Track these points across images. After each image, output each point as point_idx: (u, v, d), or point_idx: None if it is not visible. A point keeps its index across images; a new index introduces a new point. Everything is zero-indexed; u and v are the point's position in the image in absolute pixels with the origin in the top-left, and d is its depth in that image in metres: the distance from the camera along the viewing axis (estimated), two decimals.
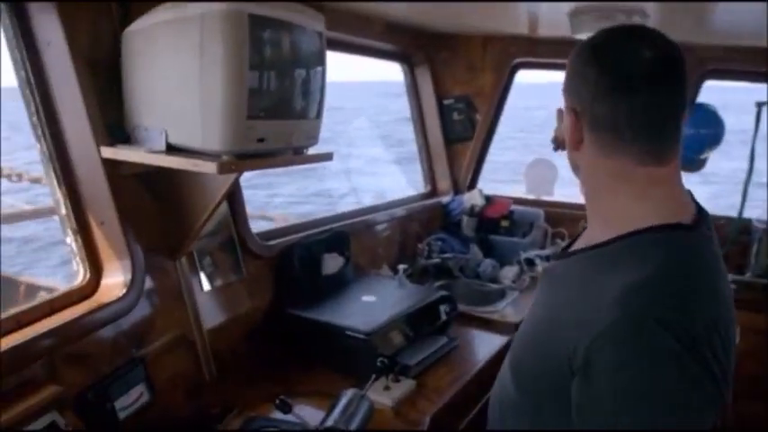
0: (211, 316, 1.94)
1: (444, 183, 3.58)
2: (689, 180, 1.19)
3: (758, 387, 2.37)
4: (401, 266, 2.52)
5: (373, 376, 1.68)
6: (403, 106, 3.51)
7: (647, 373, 0.90)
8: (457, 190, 3.56)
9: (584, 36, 2.03)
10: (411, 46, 3.18)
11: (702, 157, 3.00)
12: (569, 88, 1.09)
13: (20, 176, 6.04)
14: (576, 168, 1.15)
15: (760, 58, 2.78)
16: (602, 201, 1.11)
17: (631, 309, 0.93)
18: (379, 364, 1.72)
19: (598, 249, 1.07)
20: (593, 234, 1.13)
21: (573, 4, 2.16)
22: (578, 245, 1.18)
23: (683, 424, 0.90)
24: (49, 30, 1.46)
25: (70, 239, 1.63)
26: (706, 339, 0.91)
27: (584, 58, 1.06)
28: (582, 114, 1.06)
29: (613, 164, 1.05)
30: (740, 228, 2.94)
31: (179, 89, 1.41)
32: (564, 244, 1.34)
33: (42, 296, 1.59)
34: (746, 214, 2.98)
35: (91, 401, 1.46)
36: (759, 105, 3.00)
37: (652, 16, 2.14)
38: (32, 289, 4.34)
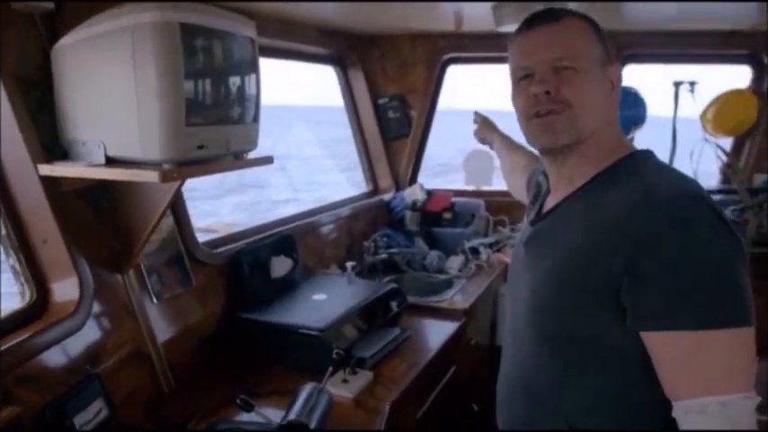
0: (165, 328, 1.93)
1: (385, 180, 3.64)
2: None
3: None
4: (349, 264, 2.55)
5: (330, 369, 1.72)
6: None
7: (707, 244, 1.01)
8: (398, 187, 3.62)
9: (508, 28, 2.11)
10: (343, 48, 3.22)
11: (629, 137, 3.16)
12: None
13: None
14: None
15: (674, 40, 2.96)
16: (577, 151, 1.20)
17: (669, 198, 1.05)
18: (334, 356, 1.75)
19: (589, 185, 1.19)
20: (560, 192, 1.25)
21: None
22: (551, 205, 1.27)
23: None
24: None
25: (13, 260, 1.60)
26: None
27: None
28: None
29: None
30: None
31: (114, 101, 1.40)
32: (531, 216, 1.36)
33: None
34: None
35: (49, 420, 1.44)
36: (676, 85, 3.18)
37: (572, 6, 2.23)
38: None
